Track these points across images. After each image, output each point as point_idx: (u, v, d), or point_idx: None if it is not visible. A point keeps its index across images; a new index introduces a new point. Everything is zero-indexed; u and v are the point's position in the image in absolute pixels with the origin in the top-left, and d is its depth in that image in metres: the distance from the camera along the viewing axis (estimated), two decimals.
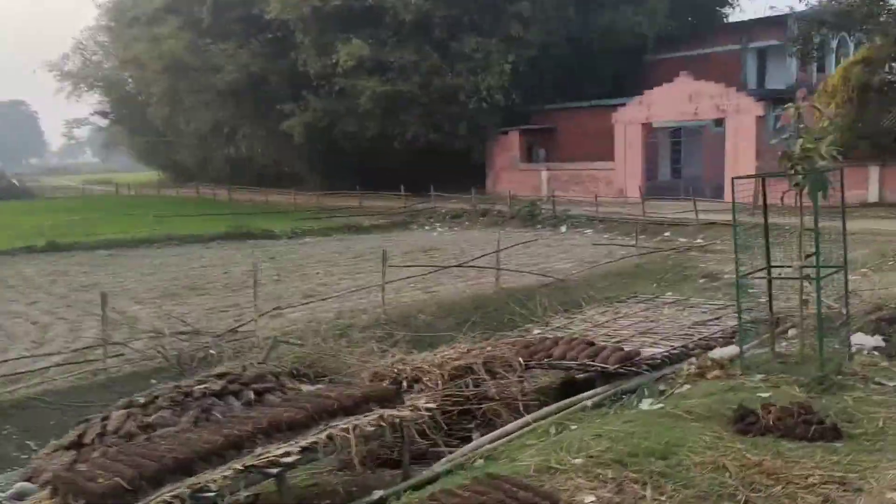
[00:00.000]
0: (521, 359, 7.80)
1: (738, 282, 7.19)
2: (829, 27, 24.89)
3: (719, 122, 28.52)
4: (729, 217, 7.67)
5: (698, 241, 20.53)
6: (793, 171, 6.40)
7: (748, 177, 9.64)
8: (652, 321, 10.33)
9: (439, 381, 6.96)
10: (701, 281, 16.17)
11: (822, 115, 6.99)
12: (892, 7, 22.74)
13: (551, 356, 8.09)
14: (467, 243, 23.12)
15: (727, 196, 28.95)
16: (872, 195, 23.97)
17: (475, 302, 14.64)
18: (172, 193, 51.48)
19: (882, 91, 21.50)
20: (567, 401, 7.28)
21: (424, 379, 7.03)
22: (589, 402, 7.20)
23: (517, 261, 18.74)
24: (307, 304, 13.79)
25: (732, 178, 7.63)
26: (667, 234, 21.94)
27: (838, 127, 20.35)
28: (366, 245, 23.71)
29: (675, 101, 28.45)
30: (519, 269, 16.33)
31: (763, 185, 7.14)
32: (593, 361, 7.83)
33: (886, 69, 21.86)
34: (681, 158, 34.74)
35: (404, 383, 7.01)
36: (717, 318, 10.24)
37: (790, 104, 6.75)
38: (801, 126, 6.60)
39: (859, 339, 7.83)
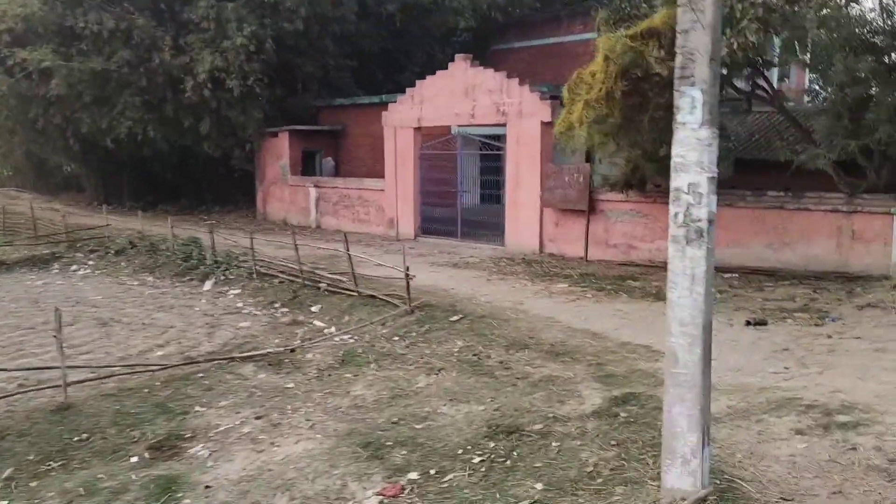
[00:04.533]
0: None
1: None
2: None
3: None
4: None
5: (330, 330, 11.68)
6: None
7: None
8: None
9: None
10: (133, 460, 7.26)
11: None
12: None
13: None
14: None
15: (508, 237, 20.19)
16: None
17: None
18: None
19: (664, 86, 12.57)
20: None
21: None
22: None
23: None
24: None
25: None
26: (313, 308, 13.02)
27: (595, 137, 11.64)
28: None
29: (449, 96, 19.56)
30: None
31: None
32: None
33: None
34: (500, 179, 25.93)
35: None
36: None
37: None
38: None
39: None
